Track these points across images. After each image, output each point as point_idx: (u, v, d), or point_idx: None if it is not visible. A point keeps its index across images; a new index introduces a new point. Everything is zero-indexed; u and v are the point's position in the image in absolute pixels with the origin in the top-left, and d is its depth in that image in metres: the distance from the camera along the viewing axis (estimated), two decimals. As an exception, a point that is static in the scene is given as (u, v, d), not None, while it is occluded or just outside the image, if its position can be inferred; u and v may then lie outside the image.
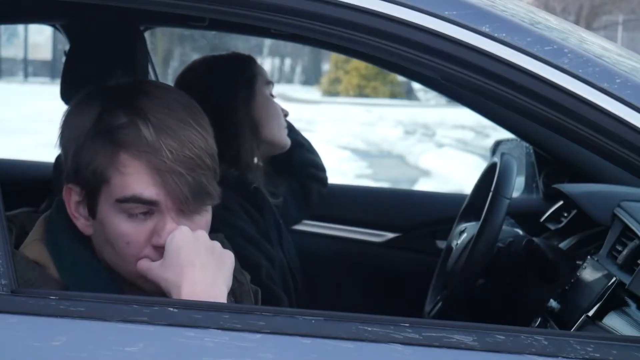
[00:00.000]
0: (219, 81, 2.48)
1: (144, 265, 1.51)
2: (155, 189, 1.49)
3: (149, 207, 1.50)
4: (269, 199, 2.55)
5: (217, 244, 1.55)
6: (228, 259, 1.56)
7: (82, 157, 1.51)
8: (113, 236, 1.52)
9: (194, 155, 1.50)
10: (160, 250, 1.51)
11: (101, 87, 1.57)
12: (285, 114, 2.59)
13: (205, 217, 1.56)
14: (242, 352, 1.33)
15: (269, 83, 2.56)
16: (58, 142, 1.57)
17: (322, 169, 2.90)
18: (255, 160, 2.51)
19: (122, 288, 1.56)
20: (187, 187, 1.49)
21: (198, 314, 1.35)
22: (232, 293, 1.70)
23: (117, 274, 1.56)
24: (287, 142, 2.56)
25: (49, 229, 1.58)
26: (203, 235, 1.53)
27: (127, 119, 1.49)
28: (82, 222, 1.56)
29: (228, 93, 2.47)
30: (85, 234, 1.56)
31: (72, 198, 1.55)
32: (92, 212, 1.54)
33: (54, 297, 1.35)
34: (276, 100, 2.59)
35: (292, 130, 2.81)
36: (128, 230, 1.51)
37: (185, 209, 1.51)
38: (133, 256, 1.52)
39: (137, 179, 1.48)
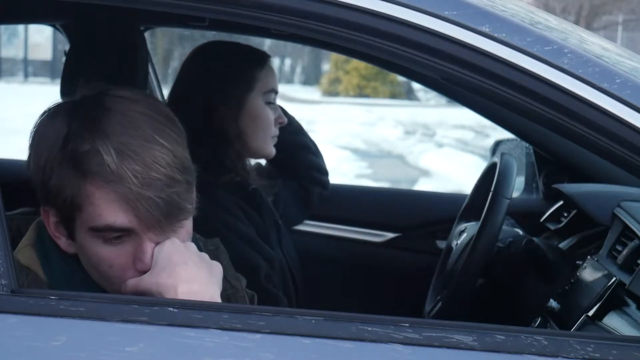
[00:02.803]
0: (218, 80, 2.44)
1: (132, 281, 1.49)
2: (126, 216, 1.46)
3: (124, 233, 1.48)
4: (268, 200, 2.55)
5: (205, 255, 1.55)
6: (217, 268, 1.55)
7: (52, 185, 1.49)
8: (95, 260, 1.51)
9: (161, 176, 1.46)
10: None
11: (67, 102, 1.54)
12: (282, 123, 2.51)
13: (184, 228, 1.53)
14: (242, 352, 1.33)
15: (270, 92, 2.46)
16: (27, 162, 1.54)
17: (325, 173, 2.90)
18: (249, 163, 2.49)
19: None
20: (158, 210, 1.46)
21: (198, 314, 1.35)
22: (227, 299, 1.69)
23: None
24: (271, 152, 2.49)
25: (39, 235, 1.57)
26: (192, 245, 1.53)
27: (90, 146, 1.46)
28: (63, 242, 1.54)
29: (223, 97, 2.41)
30: (69, 252, 1.54)
31: (50, 219, 1.54)
32: (71, 235, 1.52)
33: (54, 297, 1.35)
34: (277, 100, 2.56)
35: (300, 133, 2.80)
36: (108, 254, 1.49)
37: (160, 231, 1.49)
38: (118, 278, 1.50)
39: (107, 209, 1.46)
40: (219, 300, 1.50)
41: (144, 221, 1.47)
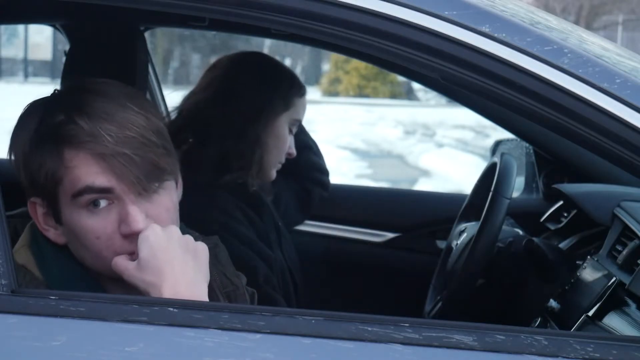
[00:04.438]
0: (262, 85, 2.45)
1: (121, 265, 1.50)
2: (104, 176, 1.48)
3: (106, 195, 1.49)
4: (268, 201, 2.54)
5: (189, 238, 1.54)
6: (202, 252, 1.55)
7: (32, 166, 1.52)
8: (82, 235, 1.51)
9: (136, 135, 1.48)
10: (132, 239, 1.50)
11: (41, 98, 1.58)
12: (290, 155, 2.53)
13: (167, 196, 1.54)
14: (242, 352, 1.33)
15: (296, 121, 2.51)
16: (12, 162, 1.57)
17: (326, 173, 2.90)
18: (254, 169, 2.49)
19: (109, 292, 1.55)
20: (136, 168, 1.48)
21: (198, 314, 1.35)
22: (227, 296, 1.70)
23: (102, 277, 1.55)
24: (272, 176, 2.50)
25: (33, 236, 1.59)
26: (175, 230, 1.52)
27: (64, 116, 1.50)
28: (52, 233, 1.56)
29: (263, 106, 2.43)
30: (59, 243, 1.56)
31: (37, 211, 1.56)
32: (58, 219, 1.54)
33: (54, 297, 1.35)
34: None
35: (302, 133, 2.80)
36: (93, 224, 1.50)
37: (141, 190, 1.50)
38: (108, 250, 1.51)
39: (85, 170, 1.48)
40: (206, 298, 1.50)
41: (123, 180, 1.48)
